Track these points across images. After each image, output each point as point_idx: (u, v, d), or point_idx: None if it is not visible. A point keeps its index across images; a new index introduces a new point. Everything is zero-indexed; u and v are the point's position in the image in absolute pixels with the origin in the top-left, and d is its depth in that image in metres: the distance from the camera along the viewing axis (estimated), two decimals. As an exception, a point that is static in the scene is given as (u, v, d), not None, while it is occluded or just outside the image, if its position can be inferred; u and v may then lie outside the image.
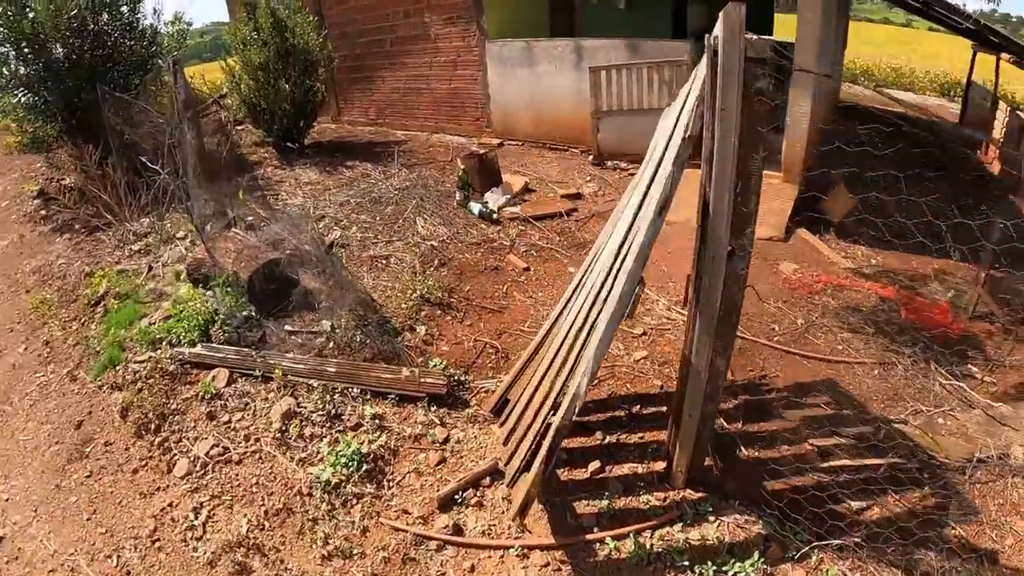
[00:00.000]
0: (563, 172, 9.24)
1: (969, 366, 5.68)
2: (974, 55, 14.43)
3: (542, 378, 3.91)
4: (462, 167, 7.91)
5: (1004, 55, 13.08)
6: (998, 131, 12.56)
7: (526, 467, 3.46)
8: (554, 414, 3.35)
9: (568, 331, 3.86)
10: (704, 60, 2.91)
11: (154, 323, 5.58)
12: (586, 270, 4.34)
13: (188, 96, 7.14)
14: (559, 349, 3.88)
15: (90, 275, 6.94)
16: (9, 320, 6.77)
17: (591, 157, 9.46)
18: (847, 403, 4.85)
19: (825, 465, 4.15)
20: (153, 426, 4.53)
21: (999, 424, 4.89)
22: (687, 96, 3.29)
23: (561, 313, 4.36)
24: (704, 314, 3.09)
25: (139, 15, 10.18)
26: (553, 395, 3.50)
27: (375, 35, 12.33)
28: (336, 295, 5.67)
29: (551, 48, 9.65)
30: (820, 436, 4.41)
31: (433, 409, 4.56)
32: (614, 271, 3.31)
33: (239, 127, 11.85)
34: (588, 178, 8.98)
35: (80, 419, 4.91)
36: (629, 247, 3.20)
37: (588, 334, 3.48)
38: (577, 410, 3.21)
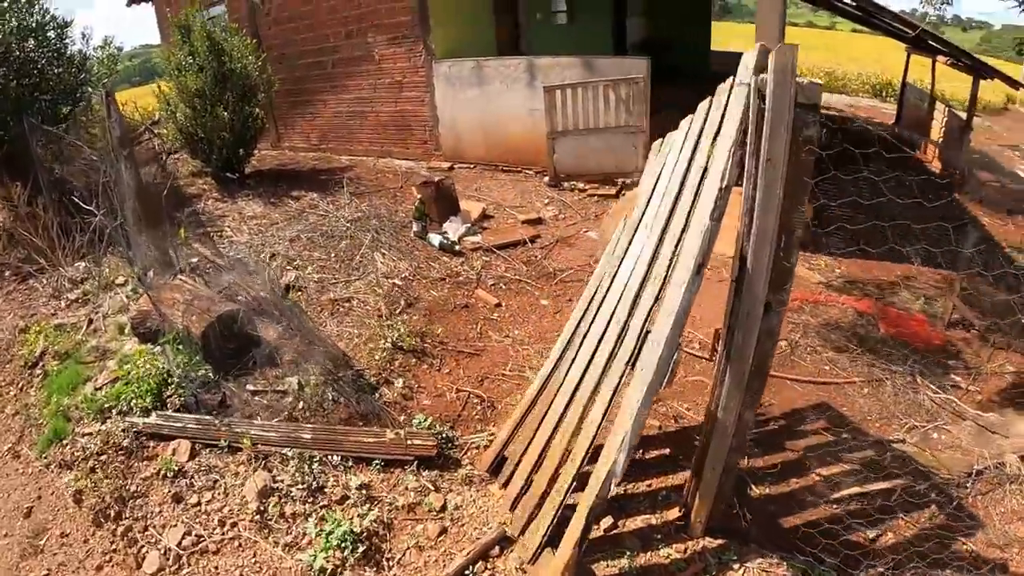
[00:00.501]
0: (520, 196, 9.00)
1: (952, 376, 5.75)
2: (908, 57, 14.67)
3: (549, 438, 3.65)
4: (418, 196, 7.60)
5: (940, 57, 13.27)
6: (936, 131, 12.74)
7: (549, 542, 3.21)
8: (581, 490, 3.05)
9: (577, 386, 3.62)
10: (731, 96, 2.67)
11: (100, 388, 5.13)
12: (582, 316, 4.05)
13: (123, 131, 6.64)
14: (567, 405, 3.63)
15: (25, 331, 6.43)
16: (-67, 385, 6.14)
17: (547, 179, 9.27)
18: (844, 426, 4.77)
19: (836, 496, 4.07)
20: (113, 513, 4.08)
21: (990, 433, 4.96)
22: (699, 135, 3.04)
23: (558, 363, 4.06)
24: (735, 369, 2.88)
25: (67, 40, 9.59)
26: (575, 464, 3.23)
27: (315, 57, 11.91)
28: (300, 347, 5.28)
29: (502, 67, 9.42)
30: (825, 465, 4.34)
31: (424, 473, 4.22)
32: (635, 328, 3.05)
33: (174, 156, 11.26)
34: (546, 201, 8.78)
35: (29, 505, 4.47)
36: (655, 303, 3.01)
37: (612, 393, 3.21)
38: (612, 488, 2.94)
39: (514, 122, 9.57)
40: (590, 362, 3.54)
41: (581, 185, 9.04)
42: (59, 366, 5.60)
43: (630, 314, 3.24)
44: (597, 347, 3.51)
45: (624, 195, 8.52)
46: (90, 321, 6.39)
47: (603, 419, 3.27)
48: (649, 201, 3.68)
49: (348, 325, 6.00)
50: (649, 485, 4.09)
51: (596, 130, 8.75)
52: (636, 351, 3.09)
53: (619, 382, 3.29)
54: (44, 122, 8.74)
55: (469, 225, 7.67)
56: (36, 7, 9.04)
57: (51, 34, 9.33)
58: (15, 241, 8.11)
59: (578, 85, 8.63)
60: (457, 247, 7.29)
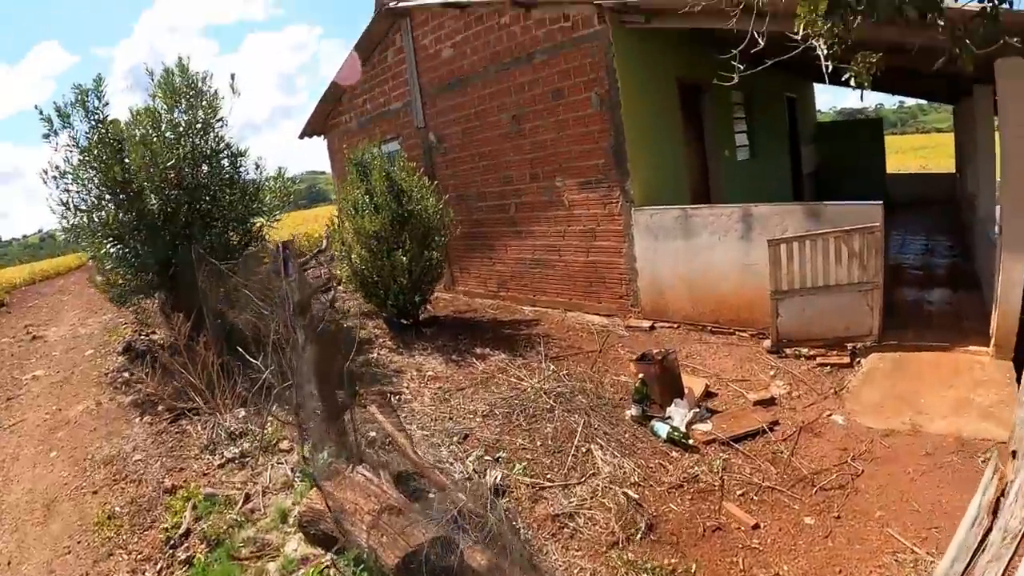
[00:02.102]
0: (738, 365, 7.89)
1: None
2: None
3: None
4: (638, 375, 6.43)
5: None
6: None
7: None
8: None
9: None
10: None
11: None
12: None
13: (303, 296, 5.77)
14: None
15: (172, 492, 5.85)
16: (69, 532, 5.58)
17: (766, 343, 8.16)
18: None
19: None
20: None
21: None
22: None
23: None
24: None
25: (241, 168, 9.66)
26: None
27: (496, 199, 11.45)
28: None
29: (713, 216, 8.59)
30: None
31: None
32: None
33: (342, 289, 10.94)
34: (771, 372, 7.64)
35: None
36: None
37: None
38: None
39: (725, 278, 8.62)
40: None
41: (806, 351, 7.85)
42: (208, 556, 4.89)
43: None
44: None
45: (860, 364, 7.33)
46: (247, 497, 5.74)
47: None
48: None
49: (576, 554, 4.99)
50: None
51: (825, 288, 7.62)
52: None
53: None
54: (214, 251, 8.59)
55: (696, 409, 6.49)
56: (212, 134, 9.09)
57: (225, 161, 9.38)
58: (170, 374, 7.70)
59: (805, 238, 7.61)
60: (687, 439, 5.98)
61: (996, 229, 8.95)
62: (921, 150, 44.45)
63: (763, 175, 14.03)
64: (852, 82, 4.50)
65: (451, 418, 6.94)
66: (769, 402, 6.83)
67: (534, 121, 10.31)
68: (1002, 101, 6.41)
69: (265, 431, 6.65)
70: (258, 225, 9.80)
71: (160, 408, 7.51)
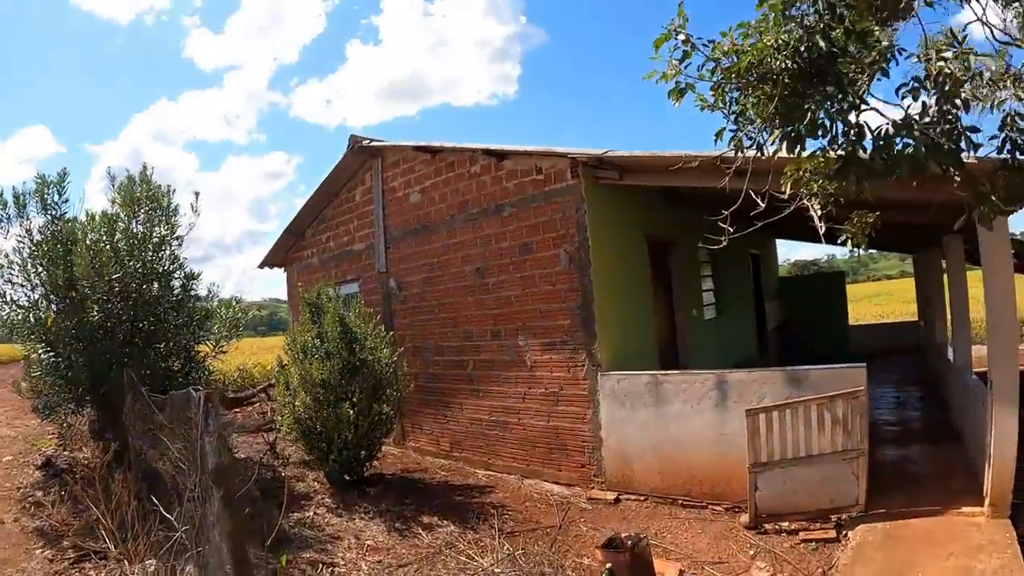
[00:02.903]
0: (714, 543, 7.23)
1: None
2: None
3: None
4: (606, 565, 5.64)
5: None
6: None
7: None
8: None
9: None
10: None
11: None
12: None
13: (219, 462, 4.88)
14: None
15: None
16: None
17: (744, 518, 7.46)
18: None
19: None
20: None
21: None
22: None
23: None
24: None
25: (192, 292, 9.11)
26: None
27: (455, 354, 10.93)
28: None
29: (686, 384, 8.11)
30: None
31: None
32: None
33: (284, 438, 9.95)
34: (751, 552, 6.90)
35: None
36: None
37: None
38: None
39: (699, 448, 8.03)
40: None
41: (788, 525, 7.18)
42: None
43: None
44: None
45: (847, 537, 6.66)
46: None
47: None
48: None
49: None
50: None
51: (807, 458, 7.09)
52: None
53: None
54: (152, 375, 8.06)
55: None
56: (167, 251, 8.68)
57: (176, 282, 8.92)
58: (81, 510, 6.91)
59: (785, 406, 7.14)
60: None
61: (972, 376, 8.64)
62: (875, 297, 45.61)
63: (730, 332, 13.84)
64: (849, 243, 4.28)
65: None
66: (753, 593, 6.07)
67: (499, 275, 9.96)
68: (986, 253, 6.25)
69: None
70: (203, 354, 9.21)
71: (65, 543, 6.64)
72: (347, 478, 9.09)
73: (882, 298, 44.28)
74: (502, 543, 7.24)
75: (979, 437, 7.12)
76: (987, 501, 6.36)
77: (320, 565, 6.72)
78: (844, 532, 6.77)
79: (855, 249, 4.41)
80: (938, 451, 8.57)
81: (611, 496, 8.60)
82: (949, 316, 12.66)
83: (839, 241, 4.44)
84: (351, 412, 8.38)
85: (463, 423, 10.91)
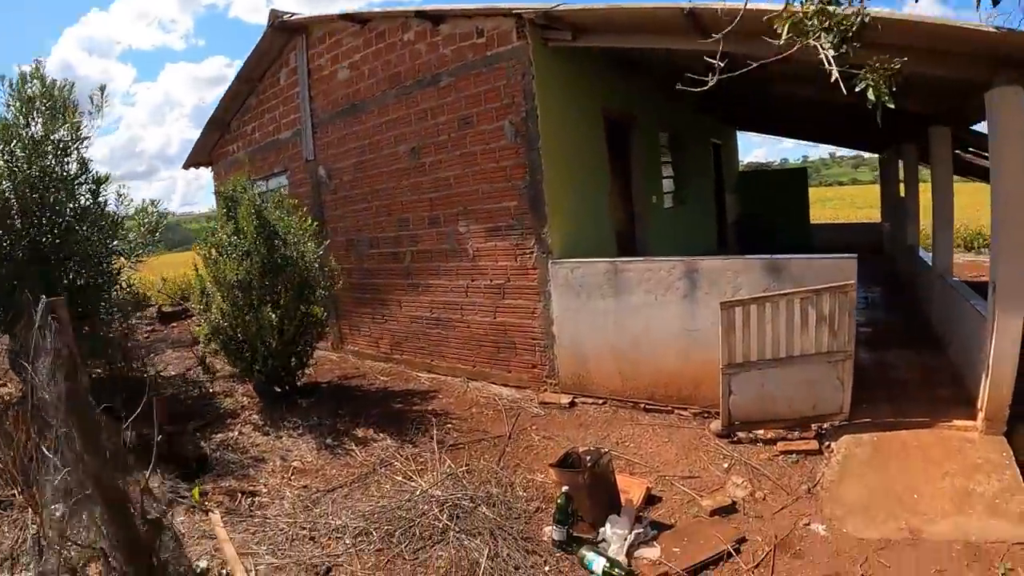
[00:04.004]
0: (683, 454, 6.19)
1: None
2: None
3: None
4: (561, 486, 4.56)
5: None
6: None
7: None
8: None
9: None
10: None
11: None
12: None
13: (69, 387, 3.57)
14: None
15: None
16: None
17: (715, 424, 6.45)
18: None
19: None
20: None
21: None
22: None
23: None
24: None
25: (102, 199, 7.92)
26: None
27: (391, 246, 9.54)
28: None
29: (650, 272, 6.91)
30: None
31: None
32: None
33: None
34: (725, 464, 5.90)
35: None
36: None
37: None
38: None
39: (664, 346, 6.93)
40: None
41: (764, 434, 6.19)
42: None
43: None
44: None
45: (831, 449, 5.76)
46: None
47: None
48: None
49: None
50: None
51: (788, 359, 6.04)
52: None
53: None
54: (63, 294, 6.76)
55: (638, 529, 4.72)
56: (72, 156, 7.57)
57: (83, 189, 7.74)
58: None
59: (765, 299, 6.01)
60: (631, 570, 4.39)
61: (956, 279, 7.88)
62: (828, 201, 45.41)
63: (690, 224, 12.68)
64: (869, 94, 3.34)
65: (313, 537, 5.01)
66: (729, 509, 5.10)
67: (436, 154, 8.56)
68: (1004, 131, 5.12)
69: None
70: (119, 267, 8.09)
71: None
72: (277, 390, 8.05)
73: (835, 203, 44.11)
74: (443, 458, 6.22)
75: (966, 345, 6.46)
76: (981, 416, 5.50)
77: (239, 495, 5.72)
78: (827, 443, 5.85)
79: (878, 99, 3.28)
80: (917, 356, 7.67)
81: (566, 400, 7.55)
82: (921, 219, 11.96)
83: (857, 89, 3.29)
84: (273, 316, 7.23)
85: (403, 322, 9.71)
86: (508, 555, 4.62)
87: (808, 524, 4.82)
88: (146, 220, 8.14)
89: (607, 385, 7.40)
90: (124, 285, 8.24)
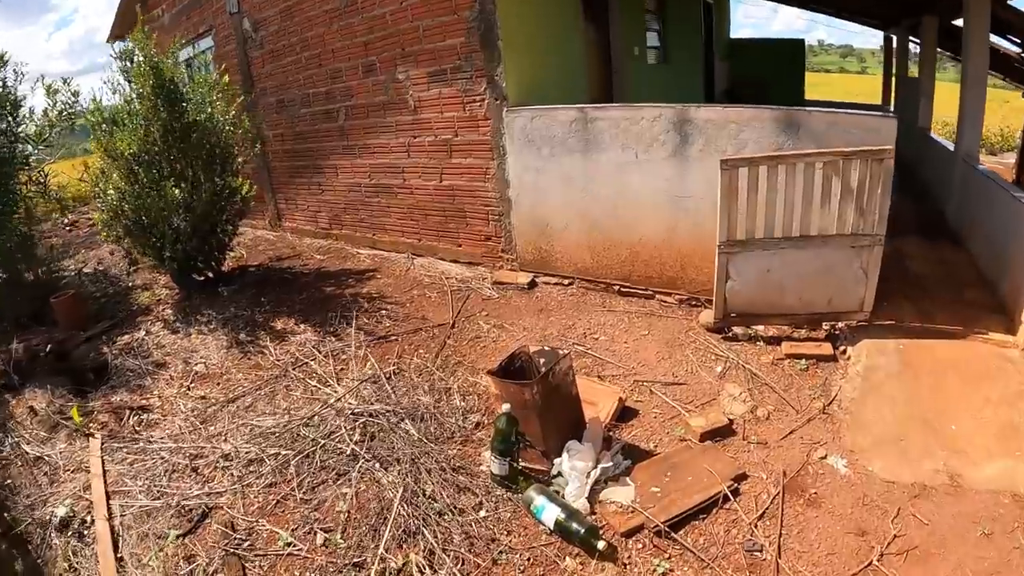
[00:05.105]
0: (666, 352, 4.86)
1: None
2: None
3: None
4: (502, 403, 3.16)
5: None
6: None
7: None
8: None
9: None
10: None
11: None
12: None
13: None
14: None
15: None
16: None
17: (706, 315, 5.11)
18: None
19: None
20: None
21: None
22: None
23: None
24: None
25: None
26: None
27: (323, 104, 7.90)
28: None
29: (628, 121, 5.33)
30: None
31: None
32: None
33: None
34: (719, 367, 4.58)
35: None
36: None
37: None
38: None
39: (646, 215, 5.47)
40: None
41: (765, 331, 4.93)
42: None
43: None
44: None
45: (847, 356, 4.51)
46: None
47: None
48: None
49: None
50: None
51: (803, 239, 4.59)
52: None
53: None
54: None
55: (607, 463, 3.53)
56: None
57: None
58: None
59: (778, 160, 4.50)
60: (595, 538, 3.06)
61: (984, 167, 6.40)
62: (817, 86, 43.31)
63: (675, 84, 10.89)
64: None
65: (197, 468, 3.90)
66: (724, 431, 3.82)
67: (369, -15, 6.78)
68: None
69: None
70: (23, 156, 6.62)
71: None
72: (198, 278, 6.80)
73: (823, 87, 42.24)
74: (367, 356, 4.89)
75: (996, 241, 5.32)
76: (1023, 328, 4.33)
77: (127, 413, 4.62)
78: (842, 348, 4.58)
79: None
80: (934, 250, 6.34)
81: (524, 279, 6.18)
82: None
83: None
84: (177, 192, 5.82)
85: (340, 192, 8.12)
86: (432, 493, 3.36)
87: (824, 457, 3.59)
88: (60, 104, 6.50)
89: (575, 262, 6.01)
90: (36, 179, 6.76)
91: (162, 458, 3.99)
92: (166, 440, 4.20)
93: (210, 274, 6.80)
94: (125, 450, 4.14)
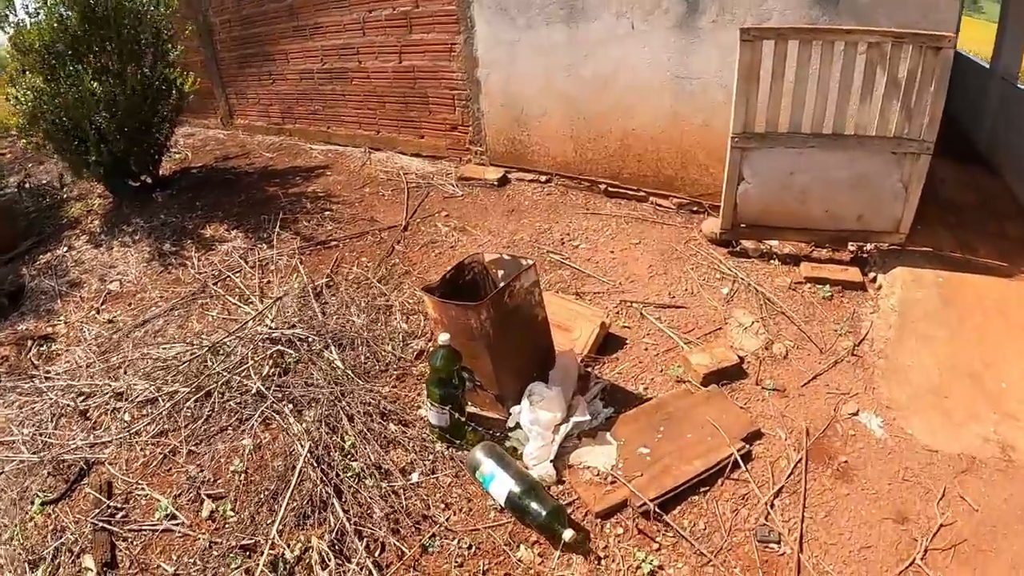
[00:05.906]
0: (661, 266, 3.97)
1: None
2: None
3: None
4: (441, 337, 2.24)
5: None
6: None
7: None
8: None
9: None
10: None
11: None
12: None
13: None
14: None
15: None
16: None
17: (709, 224, 4.24)
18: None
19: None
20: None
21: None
22: None
23: None
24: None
25: None
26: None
27: None
28: None
29: None
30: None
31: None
32: None
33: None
34: (724, 287, 3.70)
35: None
36: None
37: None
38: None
39: (643, 99, 4.45)
40: None
41: (781, 248, 4.05)
42: None
43: None
44: None
45: (877, 284, 3.68)
46: None
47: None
48: None
49: None
50: None
51: (835, 139, 3.67)
52: None
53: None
54: None
55: (581, 417, 2.65)
56: None
57: None
58: None
59: (813, 34, 3.52)
60: (560, 520, 2.20)
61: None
62: None
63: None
64: None
65: (86, 412, 3.12)
66: (734, 372, 2.96)
67: None
68: None
69: None
70: None
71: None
72: (133, 184, 5.90)
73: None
74: (298, 266, 3.99)
75: None
76: None
77: (29, 342, 3.92)
78: (872, 275, 3.72)
79: None
80: (966, 174, 5.45)
81: (494, 175, 5.26)
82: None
83: None
84: (96, 85, 4.93)
85: (291, 81, 6.96)
86: (352, 449, 2.52)
87: (856, 413, 2.75)
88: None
89: (554, 155, 5.05)
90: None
91: (52, 400, 3.18)
92: (62, 376, 3.41)
93: (148, 179, 5.91)
94: (18, 391, 3.38)
